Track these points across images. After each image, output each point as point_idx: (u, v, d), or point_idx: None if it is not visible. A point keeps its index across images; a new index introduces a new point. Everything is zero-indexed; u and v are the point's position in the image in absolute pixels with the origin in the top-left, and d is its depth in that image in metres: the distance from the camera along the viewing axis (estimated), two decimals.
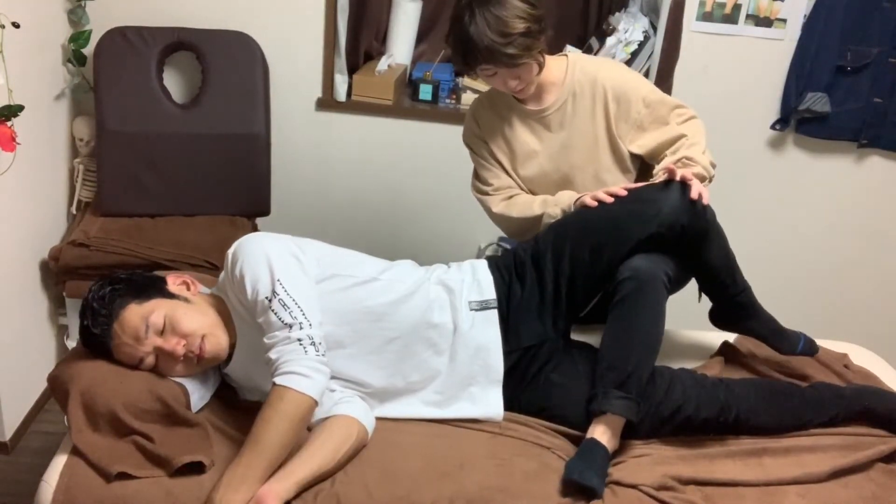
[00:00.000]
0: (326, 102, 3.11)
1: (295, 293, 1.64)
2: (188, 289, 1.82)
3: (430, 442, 1.75)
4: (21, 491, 2.39)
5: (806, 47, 2.98)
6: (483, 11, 1.89)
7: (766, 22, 2.99)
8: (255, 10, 2.97)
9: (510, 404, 1.85)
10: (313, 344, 1.60)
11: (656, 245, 1.81)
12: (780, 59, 3.03)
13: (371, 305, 1.79)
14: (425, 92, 3.16)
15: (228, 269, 1.74)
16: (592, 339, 1.96)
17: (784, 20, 2.99)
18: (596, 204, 1.89)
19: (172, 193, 2.89)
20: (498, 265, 1.94)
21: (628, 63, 2.98)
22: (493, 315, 1.86)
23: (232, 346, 1.76)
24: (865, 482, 1.75)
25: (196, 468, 1.59)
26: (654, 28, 3.00)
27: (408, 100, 3.21)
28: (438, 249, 3.17)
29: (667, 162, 2.01)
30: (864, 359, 2.21)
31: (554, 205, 2.05)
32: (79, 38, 2.82)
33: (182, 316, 1.69)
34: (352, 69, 3.13)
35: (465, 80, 3.15)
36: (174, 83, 3.01)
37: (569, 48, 3.10)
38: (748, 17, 2.99)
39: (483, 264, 1.95)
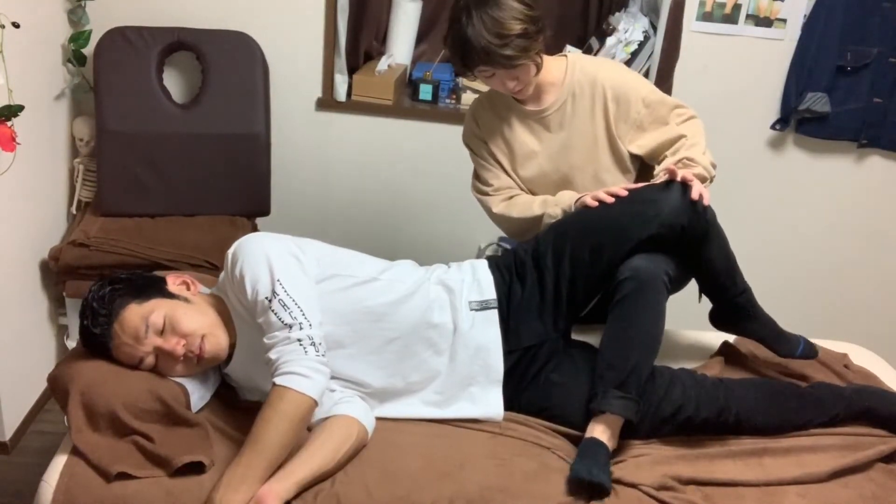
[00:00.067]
0: (326, 102, 3.11)
1: (295, 293, 1.64)
2: (188, 289, 1.82)
3: (430, 442, 1.75)
4: (21, 491, 2.39)
5: (806, 47, 2.98)
6: (480, 13, 1.89)
7: (766, 22, 2.99)
8: (255, 10, 2.97)
9: (510, 404, 1.84)
10: (313, 344, 1.60)
11: (657, 245, 1.81)
12: (780, 59, 3.03)
13: (371, 305, 1.79)
14: (425, 92, 3.16)
15: (228, 270, 1.74)
16: (592, 339, 1.96)
17: (784, 20, 2.99)
18: (596, 204, 1.89)
19: (172, 193, 2.89)
20: (498, 265, 1.94)
21: (628, 63, 2.98)
22: (494, 315, 1.86)
23: (232, 346, 1.76)
24: (865, 482, 1.75)
25: (196, 468, 1.59)
26: (654, 28, 3.00)
27: (408, 100, 3.21)
28: (438, 249, 3.17)
29: (667, 163, 2.01)
30: (864, 359, 2.21)
31: (554, 205, 2.05)
32: (79, 38, 2.82)
33: (182, 316, 1.69)
34: (352, 69, 3.13)
35: (465, 80, 3.15)
36: (174, 83, 3.01)
37: (569, 48, 3.10)
38: (748, 17, 2.99)
39: (483, 264, 1.95)
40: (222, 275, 1.81)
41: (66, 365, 1.72)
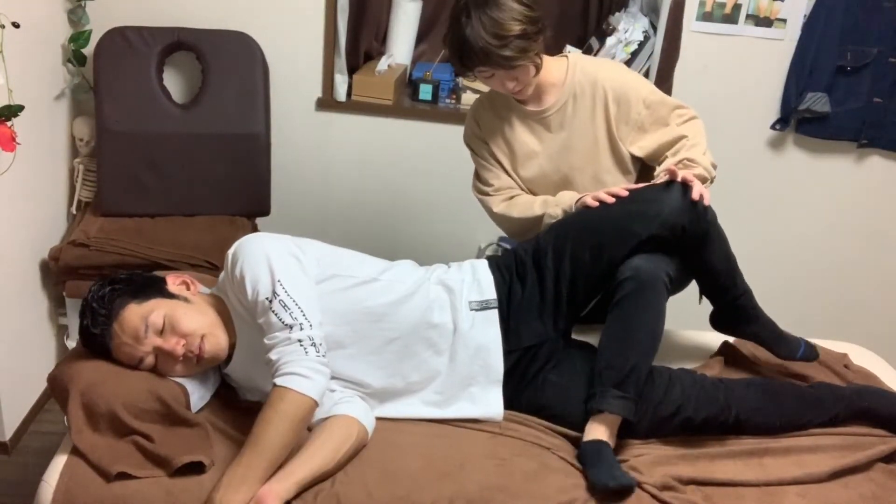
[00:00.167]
0: (326, 102, 3.11)
1: (295, 294, 1.63)
2: (188, 289, 1.82)
3: (430, 442, 1.75)
4: (21, 491, 2.39)
5: (806, 47, 2.98)
6: (479, 13, 1.89)
7: (766, 22, 2.99)
8: (255, 10, 2.97)
9: (510, 404, 1.84)
10: (314, 345, 1.60)
11: (657, 246, 1.81)
12: (780, 59, 3.03)
13: (371, 306, 1.79)
14: (425, 92, 3.16)
15: (228, 270, 1.74)
16: (592, 338, 1.96)
17: (784, 20, 2.99)
18: (597, 204, 1.89)
19: (172, 193, 2.89)
20: (498, 265, 1.94)
21: (628, 63, 2.98)
22: (494, 315, 1.86)
23: (232, 346, 1.76)
24: (865, 482, 1.75)
25: (196, 468, 1.58)
26: (654, 28, 3.00)
27: (408, 100, 3.21)
28: (438, 249, 3.17)
29: (668, 163, 2.01)
30: (864, 359, 2.21)
31: (555, 205, 2.05)
32: (79, 38, 2.82)
33: (182, 316, 1.69)
34: (352, 69, 3.13)
35: (465, 81, 3.15)
36: (174, 83, 3.01)
37: (569, 48, 3.10)
38: (748, 17, 2.99)
39: (483, 264, 1.95)
40: (222, 275, 1.81)
41: (66, 365, 1.72)
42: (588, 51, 3.12)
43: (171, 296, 1.74)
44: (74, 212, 2.98)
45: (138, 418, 1.62)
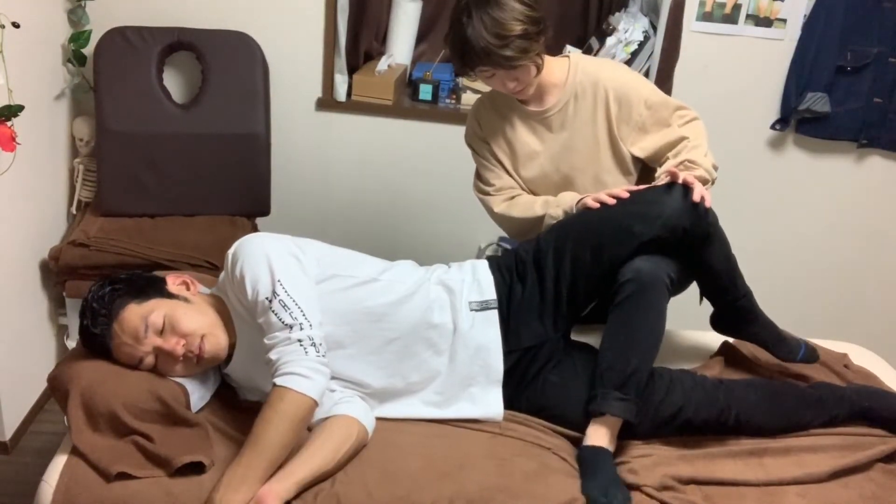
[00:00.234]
0: (326, 102, 3.11)
1: (295, 294, 1.63)
2: (188, 289, 1.82)
3: (429, 442, 1.75)
4: (21, 491, 2.39)
5: (806, 47, 2.98)
6: (481, 13, 1.89)
7: (766, 22, 2.99)
8: (255, 10, 2.97)
9: (510, 404, 1.84)
10: (314, 345, 1.60)
11: (658, 247, 1.81)
12: (780, 59, 3.03)
13: (371, 306, 1.79)
14: (425, 92, 3.16)
15: (228, 270, 1.74)
16: (592, 339, 1.96)
17: (784, 20, 2.99)
18: (598, 205, 1.89)
19: (172, 193, 2.89)
20: (499, 265, 1.94)
21: (628, 63, 2.98)
22: (494, 315, 1.86)
23: (232, 346, 1.76)
24: (865, 482, 1.75)
25: (196, 468, 1.58)
26: (654, 28, 3.00)
27: (408, 100, 3.21)
28: (438, 249, 3.17)
29: (669, 165, 2.01)
30: (864, 359, 2.21)
31: (556, 206, 2.04)
32: (79, 38, 2.82)
33: (181, 316, 1.69)
34: (352, 69, 3.13)
35: (465, 81, 3.15)
36: (174, 83, 3.01)
37: (569, 48, 3.10)
38: (748, 17, 2.99)
39: (483, 264, 1.95)
40: (222, 275, 1.81)
41: (66, 365, 1.72)
42: (588, 51, 3.12)
43: (171, 296, 1.74)
44: (74, 212, 2.98)
45: (138, 418, 1.62)
